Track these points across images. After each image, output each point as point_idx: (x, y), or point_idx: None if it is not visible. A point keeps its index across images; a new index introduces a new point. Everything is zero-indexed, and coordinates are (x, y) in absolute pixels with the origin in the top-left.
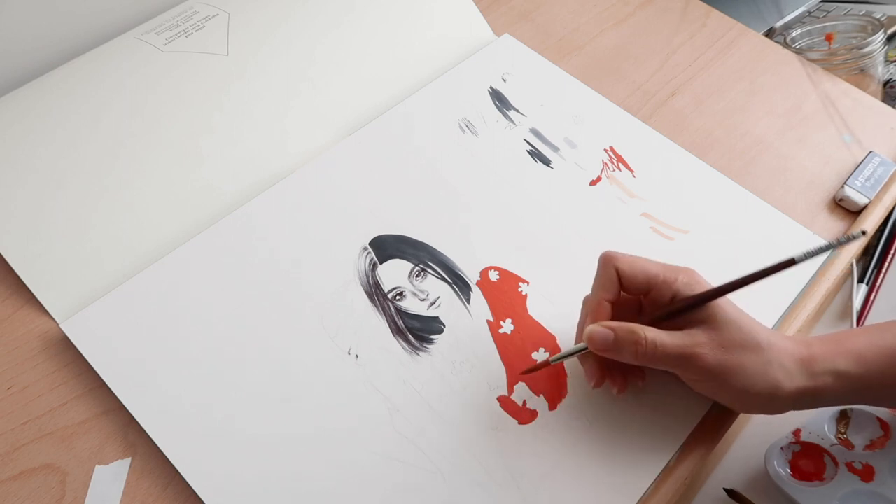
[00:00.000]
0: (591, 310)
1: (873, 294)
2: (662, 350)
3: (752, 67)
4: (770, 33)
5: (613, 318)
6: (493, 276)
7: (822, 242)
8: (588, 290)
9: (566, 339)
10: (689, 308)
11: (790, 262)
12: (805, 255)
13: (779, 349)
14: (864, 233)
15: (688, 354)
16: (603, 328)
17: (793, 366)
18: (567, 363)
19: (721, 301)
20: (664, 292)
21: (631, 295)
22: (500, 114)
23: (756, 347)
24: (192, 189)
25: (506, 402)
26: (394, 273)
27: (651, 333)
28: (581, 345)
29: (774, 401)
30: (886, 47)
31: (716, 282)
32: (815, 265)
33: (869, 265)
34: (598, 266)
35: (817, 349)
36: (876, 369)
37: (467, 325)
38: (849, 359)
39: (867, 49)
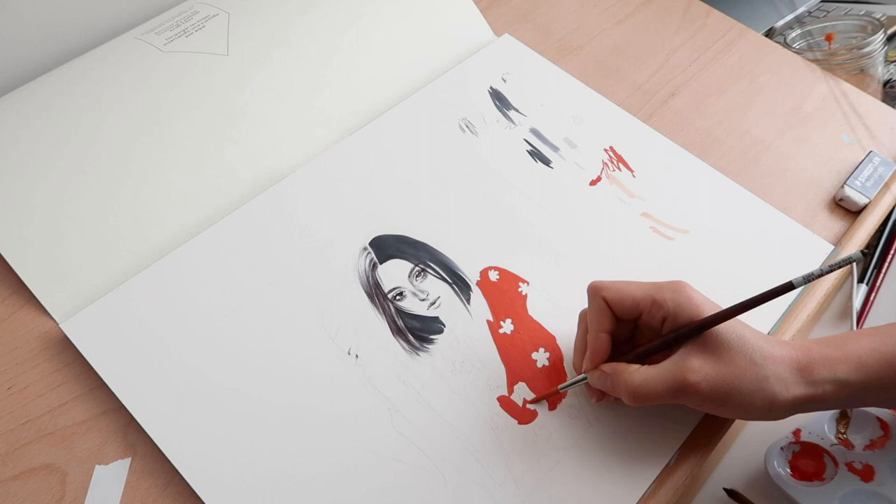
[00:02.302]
0: (589, 344)
1: (873, 294)
2: (653, 391)
3: (752, 67)
4: (770, 33)
5: (614, 348)
6: (493, 276)
7: (824, 253)
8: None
9: (566, 339)
10: (679, 340)
11: (788, 287)
12: (805, 278)
13: (774, 360)
14: (864, 253)
15: (681, 387)
16: (599, 374)
17: (790, 375)
18: (565, 363)
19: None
20: (655, 314)
21: (624, 319)
22: (500, 114)
23: (750, 364)
24: (191, 189)
25: (506, 402)
26: (394, 273)
27: (638, 378)
28: (583, 375)
29: (772, 412)
30: (886, 47)
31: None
32: (815, 264)
33: (869, 265)
34: (588, 298)
35: (816, 354)
36: (876, 376)
37: (467, 325)
38: (849, 365)
39: (867, 49)
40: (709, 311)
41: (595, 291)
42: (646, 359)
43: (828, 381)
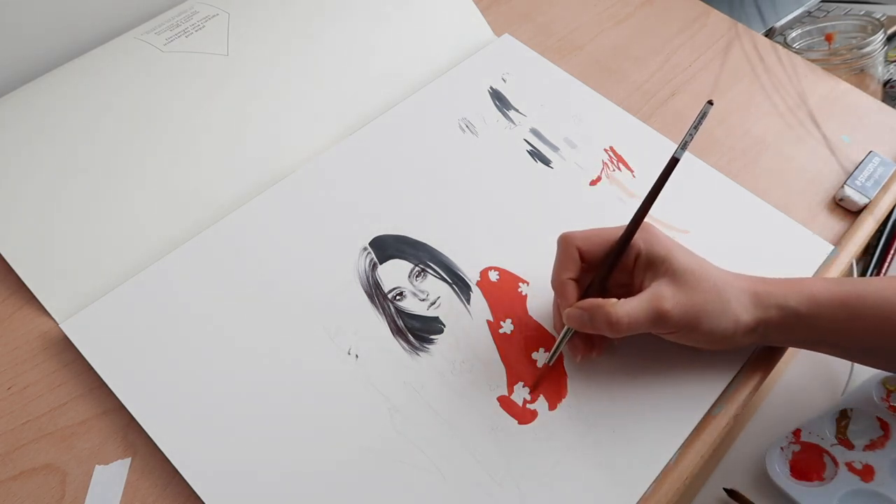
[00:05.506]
0: (557, 293)
1: None
2: (634, 320)
3: (752, 67)
4: (770, 33)
5: (580, 293)
6: (493, 276)
7: (824, 253)
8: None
9: None
10: (623, 248)
11: (674, 161)
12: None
13: (734, 286)
14: (710, 102)
15: (657, 314)
16: (578, 311)
17: (747, 299)
18: (566, 363)
19: (677, 254)
20: (629, 255)
21: (594, 266)
22: (500, 114)
23: (714, 289)
24: (191, 189)
25: (506, 402)
26: (394, 273)
27: (620, 309)
28: (564, 330)
29: (736, 334)
30: (886, 47)
31: None
32: (815, 264)
33: (869, 265)
34: (558, 248)
35: (770, 284)
36: (828, 313)
37: (467, 325)
38: (801, 297)
39: (867, 49)
40: (674, 246)
41: (568, 242)
42: (607, 279)
43: (775, 306)
